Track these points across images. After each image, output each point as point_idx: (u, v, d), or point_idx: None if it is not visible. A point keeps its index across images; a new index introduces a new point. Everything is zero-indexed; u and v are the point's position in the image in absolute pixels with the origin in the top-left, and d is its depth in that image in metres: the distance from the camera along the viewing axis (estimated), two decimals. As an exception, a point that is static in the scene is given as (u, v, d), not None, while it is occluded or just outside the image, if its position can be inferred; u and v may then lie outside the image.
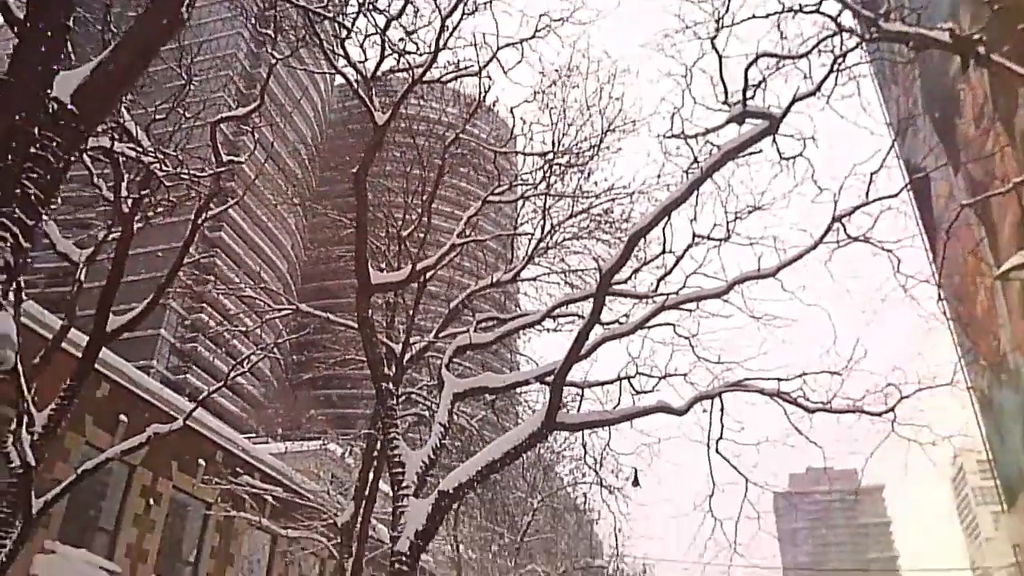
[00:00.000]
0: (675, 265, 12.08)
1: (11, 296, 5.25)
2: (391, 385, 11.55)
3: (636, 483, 14.48)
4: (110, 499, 16.72)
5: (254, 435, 34.69)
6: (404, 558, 9.24)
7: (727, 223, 11.67)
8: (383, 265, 15.50)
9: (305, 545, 19.58)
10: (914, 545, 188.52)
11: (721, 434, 11.56)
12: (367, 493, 16.60)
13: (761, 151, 9.89)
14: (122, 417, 16.35)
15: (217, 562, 18.11)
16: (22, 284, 8.74)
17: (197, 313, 69.11)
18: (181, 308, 68.78)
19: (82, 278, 11.27)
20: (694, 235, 11.75)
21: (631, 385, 12.00)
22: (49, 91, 5.09)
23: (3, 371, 5.84)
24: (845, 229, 11.11)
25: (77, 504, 15.28)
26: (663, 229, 11.09)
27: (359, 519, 16.68)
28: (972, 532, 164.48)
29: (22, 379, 9.61)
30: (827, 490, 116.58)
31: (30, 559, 13.79)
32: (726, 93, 9.43)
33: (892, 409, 11.34)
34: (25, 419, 9.82)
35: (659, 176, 13.09)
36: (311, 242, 38.20)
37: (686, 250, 11.94)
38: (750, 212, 11.90)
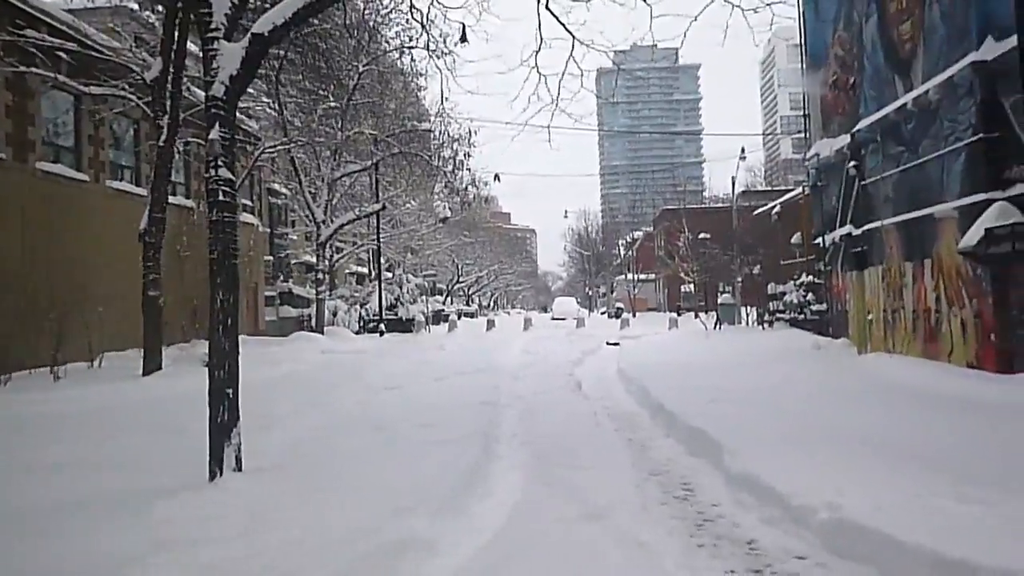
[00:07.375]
0: None
1: None
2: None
3: (464, 39, 14.15)
4: None
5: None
6: (220, 103, 8.72)
7: None
8: None
9: (114, 105, 18.38)
10: (717, 120, 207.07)
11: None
12: (175, 46, 15.37)
13: None
14: None
15: (14, 121, 16.76)
16: None
17: None
18: None
19: None
20: None
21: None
22: None
23: None
24: None
25: None
26: None
27: (169, 75, 15.66)
28: (770, 109, 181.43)
29: None
30: (648, 67, 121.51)
31: None
32: None
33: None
34: None
35: None
36: None
37: None
38: None
